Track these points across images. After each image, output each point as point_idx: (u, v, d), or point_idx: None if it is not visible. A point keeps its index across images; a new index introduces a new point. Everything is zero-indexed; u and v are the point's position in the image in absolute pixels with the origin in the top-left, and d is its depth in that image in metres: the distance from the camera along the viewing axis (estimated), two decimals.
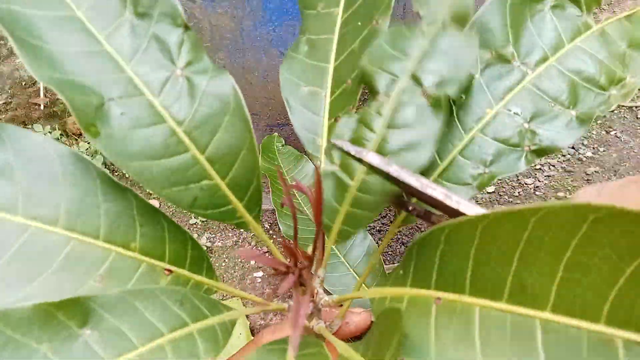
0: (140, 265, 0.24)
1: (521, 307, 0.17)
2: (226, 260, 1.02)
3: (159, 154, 0.24)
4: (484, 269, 0.18)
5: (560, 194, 1.13)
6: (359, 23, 0.30)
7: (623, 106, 1.30)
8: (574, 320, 0.15)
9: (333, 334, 0.35)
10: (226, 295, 0.89)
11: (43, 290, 0.22)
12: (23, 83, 1.39)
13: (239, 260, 1.01)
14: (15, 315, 0.19)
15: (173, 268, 0.25)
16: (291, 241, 0.24)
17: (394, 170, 0.23)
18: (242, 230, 0.94)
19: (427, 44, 0.25)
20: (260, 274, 1.01)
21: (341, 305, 0.34)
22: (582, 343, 0.15)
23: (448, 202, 0.22)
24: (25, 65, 0.22)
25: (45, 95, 1.37)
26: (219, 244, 1.04)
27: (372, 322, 0.37)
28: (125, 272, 0.24)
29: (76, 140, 1.26)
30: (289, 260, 0.25)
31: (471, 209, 0.22)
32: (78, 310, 0.20)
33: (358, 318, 0.37)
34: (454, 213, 0.22)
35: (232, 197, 0.25)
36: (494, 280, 0.17)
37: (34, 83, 1.38)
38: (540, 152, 0.28)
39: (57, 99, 1.34)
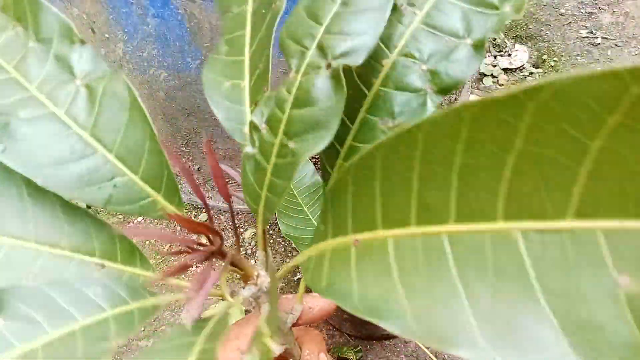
0: (72, 261, 0.26)
1: (428, 226, 0.17)
2: None
3: (67, 159, 0.25)
4: (390, 200, 0.18)
5: None
6: (263, 11, 0.31)
7: None
8: (475, 225, 0.16)
9: (297, 321, 0.35)
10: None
11: None
12: None
13: None
14: None
15: (105, 262, 0.26)
16: (185, 216, 0.25)
17: None
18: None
19: (338, 5, 0.23)
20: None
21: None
22: (485, 244, 0.15)
23: None
24: None
25: None
26: None
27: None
28: (58, 269, 0.25)
29: None
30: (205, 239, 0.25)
31: None
32: None
33: (321, 301, 0.37)
34: None
35: (149, 190, 0.26)
36: (401, 208, 0.18)
37: None
38: (444, 90, 0.26)
39: None
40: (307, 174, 0.71)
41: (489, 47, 1.50)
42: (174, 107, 1.00)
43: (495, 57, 1.50)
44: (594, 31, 1.53)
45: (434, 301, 0.16)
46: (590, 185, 0.14)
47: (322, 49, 0.23)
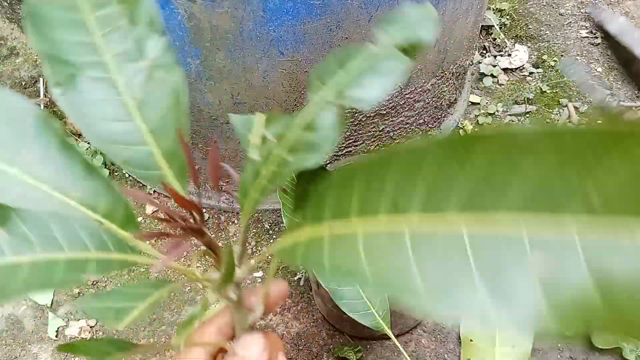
0: (77, 212, 0.29)
1: (394, 222, 0.20)
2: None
3: (110, 117, 0.30)
4: (365, 195, 0.22)
5: None
6: None
7: (623, 106, 1.30)
8: (433, 221, 0.19)
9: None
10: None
11: None
12: (23, 83, 1.46)
13: None
14: None
15: (104, 221, 0.28)
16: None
17: None
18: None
19: (366, 64, 0.28)
20: (260, 273, 1.06)
21: None
22: (438, 233, 0.18)
23: None
24: (29, 40, 0.28)
25: (45, 96, 1.43)
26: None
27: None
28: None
29: (76, 139, 1.34)
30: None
31: None
32: None
33: (275, 287, 0.39)
34: None
35: (163, 164, 0.30)
36: (373, 204, 0.21)
37: (34, 83, 1.46)
38: None
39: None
40: None
41: (489, 47, 1.53)
42: None
43: (495, 57, 1.51)
44: (594, 31, 1.51)
45: (389, 266, 0.19)
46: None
47: (338, 92, 0.28)
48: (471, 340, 0.86)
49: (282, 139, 0.29)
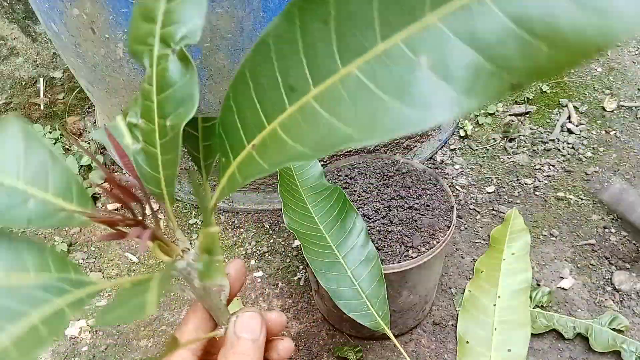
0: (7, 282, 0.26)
1: (299, 105, 0.22)
2: (226, 260, 1.06)
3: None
4: (265, 101, 0.24)
5: (560, 194, 1.15)
6: None
7: (622, 106, 1.35)
8: (329, 84, 0.21)
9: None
10: None
11: None
12: (23, 83, 1.49)
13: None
14: None
15: (39, 274, 0.26)
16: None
17: None
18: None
19: (164, 3, 0.27)
20: (260, 273, 1.05)
21: None
22: (338, 87, 0.21)
23: None
24: None
25: (45, 96, 1.44)
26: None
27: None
28: None
29: (76, 139, 1.35)
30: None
31: None
32: None
33: (232, 266, 0.39)
34: None
35: (62, 203, 0.28)
36: (275, 101, 0.23)
37: (34, 83, 1.48)
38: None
39: (57, 99, 1.45)
40: (313, 175, 0.78)
41: None
42: None
43: None
44: None
45: (316, 134, 0.22)
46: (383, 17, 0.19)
47: (164, 41, 0.27)
48: (467, 342, 0.87)
49: (149, 113, 0.28)
